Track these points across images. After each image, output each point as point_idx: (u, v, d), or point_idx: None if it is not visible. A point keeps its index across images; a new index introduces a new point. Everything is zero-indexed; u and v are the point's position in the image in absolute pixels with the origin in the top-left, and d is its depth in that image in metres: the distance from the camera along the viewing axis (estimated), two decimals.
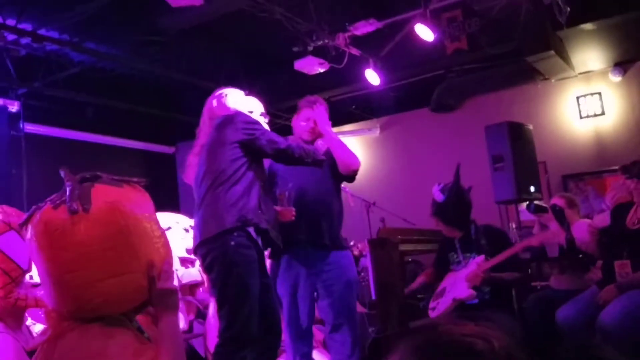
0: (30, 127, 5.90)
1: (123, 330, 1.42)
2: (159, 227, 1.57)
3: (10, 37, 4.63)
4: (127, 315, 1.50)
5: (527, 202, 3.59)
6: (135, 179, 1.58)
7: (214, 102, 2.77)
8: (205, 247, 2.36)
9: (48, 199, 1.50)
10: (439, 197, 3.35)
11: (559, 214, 3.40)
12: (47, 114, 6.14)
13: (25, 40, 4.72)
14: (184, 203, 7.04)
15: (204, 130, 2.69)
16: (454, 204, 3.33)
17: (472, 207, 3.45)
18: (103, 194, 1.44)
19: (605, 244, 3.04)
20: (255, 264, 2.38)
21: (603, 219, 3.13)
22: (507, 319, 3.14)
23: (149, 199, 1.58)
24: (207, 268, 2.36)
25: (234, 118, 2.55)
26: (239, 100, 2.76)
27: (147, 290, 1.46)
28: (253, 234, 2.39)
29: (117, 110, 6.42)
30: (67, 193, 1.42)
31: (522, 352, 0.52)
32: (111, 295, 1.42)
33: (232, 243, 2.32)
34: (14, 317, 2.58)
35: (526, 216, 4.42)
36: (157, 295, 1.46)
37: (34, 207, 1.50)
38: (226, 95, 2.77)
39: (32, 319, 2.75)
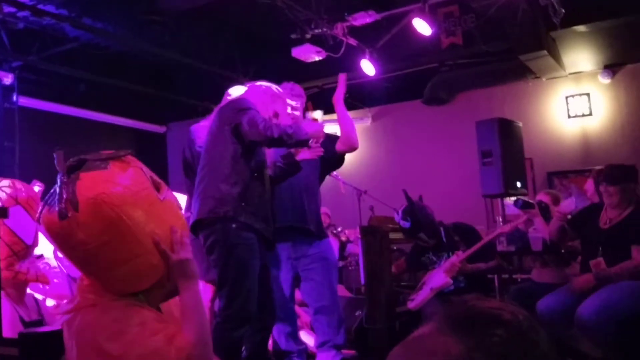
0: (23, 100, 5.88)
1: (144, 310, 1.46)
2: (158, 195, 1.51)
3: (8, 9, 4.60)
4: (151, 298, 1.52)
5: (515, 198, 3.72)
6: (121, 152, 1.53)
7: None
8: (207, 229, 2.44)
9: (49, 195, 1.49)
10: (404, 224, 3.55)
11: (545, 210, 3.54)
12: (41, 87, 6.11)
13: (23, 13, 4.69)
14: (173, 182, 7.04)
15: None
16: (420, 224, 3.51)
17: (433, 212, 3.66)
18: (87, 188, 1.41)
19: (565, 230, 3.23)
20: (254, 245, 2.46)
21: (568, 204, 3.28)
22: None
23: (138, 170, 1.52)
24: (208, 249, 2.44)
25: (228, 104, 2.62)
26: (254, 92, 2.74)
27: (163, 265, 1.47)
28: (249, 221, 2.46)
29: (111, 87, 6.41)
30: (56, 194, 1.42)
31: (539, 324, 0.60)
32: (128, 279, 1.46)
33: (233, 226, 2.41)
34: (16, 289, 2.63)
35: (511, 210, 4.55)
36: (173, 267, 1.47)
37: (42, 203, 1.51)
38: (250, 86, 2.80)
39: (42, 294, 2.81)
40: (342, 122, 3.01)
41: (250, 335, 2.54)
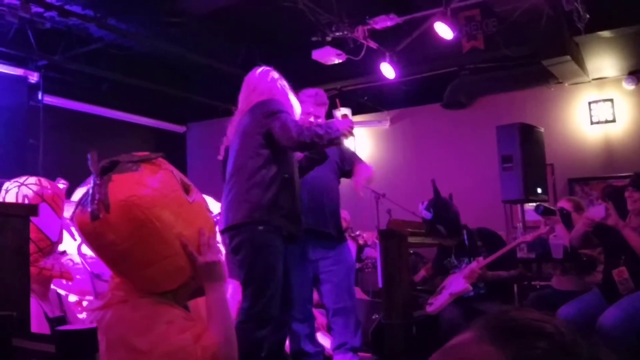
0: (48, 99, 5.99)
1: (172, 309, 1.48)
2: (187, 197, 1.54)
3: (36, 9, 4.69)
4: (179, 297, 1.54)
5: (537, 204, 3.69)
6: (152, 155, 1.55)
7: (257, 72, 2.79)
8: (233, 230, 2.46)
9: (83, 195, 1.53)
10: (426, 215, 3.52)
11: (566, 218, 3.51)
12: (65, 86, 6.22)
13: (50, 14, 4.78)
14: (192, 182, 7.15)
15: (242, 97, 2.74)
16: (442, 218, 3.45)
17: (460, 213, 3.61)
18: (119, 190, 1.44)
19: (589, 238, 3.19)
20: (280, 247, 2.49)
21: (597, 212, 3.23)
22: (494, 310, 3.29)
23: (169, 172, 1.54)
24: (234, 249, 2.46)
25: (260, 107, 2.60)
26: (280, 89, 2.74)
27: (190, 267, 1.49)
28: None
29: (133, 87, 6.50)
30: (89, 194, 1.46)
31: (581, 337, 0.59)
32: (156, 279, 1.48)
33: (260, 228, 2.44)
34: (40, 285, 2.68)
35: (531, 217, 4.52)
36: (200, 269, 1.49)
37: (76, 203, 1.55)
38: (272, 75, 2.78)
39: (65, 290, 2.85)
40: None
41: (269, 335, 2.56)
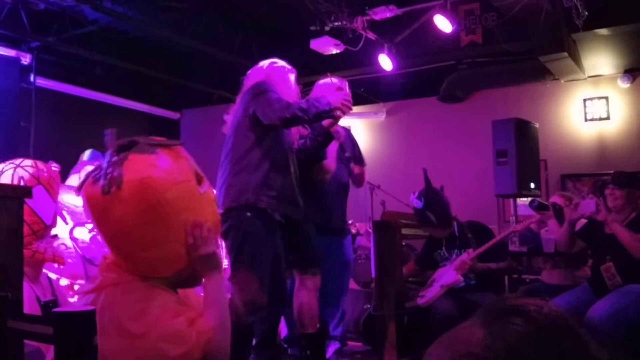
0: (41, 81, 5.92)
1: (165, 292, 1.48)
2: (199, 188, 1.55)
3: None
4: (171, 283, 1.54)
5: (531, 199, 3.71)
6: (171, 142, 1.56)
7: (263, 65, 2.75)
8: (223, 216, 2.45)
9: (94, 169, 1.53)
10: (418, 204, 3.51)
11: (559, 213, 3.54)
12: (58, 69, 6.15)
13: None
14: None
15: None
16: (433, 207, 3.46)
17: (450, 204, 3.61)
18: (134, 169, 1.45)
19: (574, 239, 3.27)
20: (269, 234, 2.47)
21: (587, 205, 3.28)
22: (493, 299, 3.30)
23: (185, 161, 1.55)
24: (223, 235, 2.45)
25: (250, 90, 2.58)
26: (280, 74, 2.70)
27: (187, 256, 1.49)
28: (268, 210, 2.47)
29: (127, 71, 6.44)
30: (104, 170, 1.46)
31: (573, 319, 0.60)
32: (154, 263, 1.48)
33: (248, 214, 2.42)
34: (32, 268, 2.66)
35: (523, 211, 4.54)
36: (197, 260, 1.50)
37: (85, 174, 1.55)
38: (273, 61, 2.75)
39: (56, 273, 2.84)
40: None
41: (260, 323, 2.57)
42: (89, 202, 1.48)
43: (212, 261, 1.53)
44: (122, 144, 1.50)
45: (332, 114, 2.46)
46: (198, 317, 1.45)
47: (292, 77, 2.73)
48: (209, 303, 1.50)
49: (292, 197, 2.57)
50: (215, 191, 2.59)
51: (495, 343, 0.55)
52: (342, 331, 3.25)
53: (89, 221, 2.72)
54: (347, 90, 2.64)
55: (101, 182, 1.44)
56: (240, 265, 2.42)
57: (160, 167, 1.47)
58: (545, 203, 3.61)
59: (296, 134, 2.78)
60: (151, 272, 1.49)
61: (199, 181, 1.57)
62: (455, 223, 3.56)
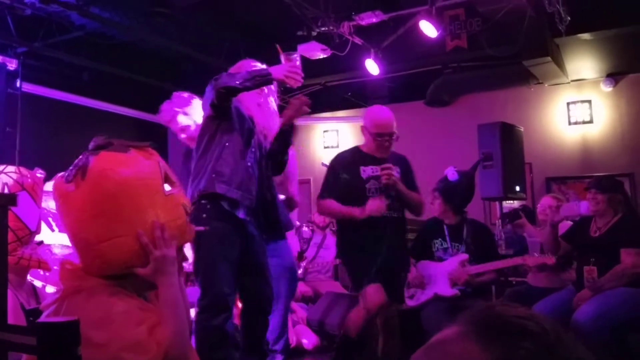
0: (27, 87, 5.87)
1: (128, 298, 1.47)
2: (162, 188, 1.54)
3: None
4: (137, 286, 1.53)
5: (502, 216, 3.73)
6: (143, 143, 1.56)
7: None
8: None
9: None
10: (453, 176, 3.44)
11: (530, 215, 3.59)
12: (45, 74, 6.11)
13: (30, 0, 4.68)
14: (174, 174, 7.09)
15: None
16: (464, 188, 3.44)
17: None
18: (102, 160, 1.47)
19: (558, 242, 3.30)
20: (228, 235, 2.41)
21: (569, 208, 3.35)
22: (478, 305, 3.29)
23: (155, 163, 1.55)
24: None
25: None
26: None
27: (143, 255, 1.48)
28: (226, 206, 2.42)
29: (115, 77, 6.41)
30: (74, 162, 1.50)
31: (568, 333, 0.58)
32: (108, 256, 1.47)
33: (204, 215, 2.37)
34: (17, 275, 2.64)
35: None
36: (152, 261, 1.48)
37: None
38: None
39: (42, 280, 2.81)
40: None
41: (243, 328, 2.57)
42: (56, 193, 1.51)
43: (166, 265, 1.49)
44: (100, 143, 1.53)
45: (269, 78, 2.38)
46: (158, 324, 1.43)
47: (259, 65, 2.67)
48: (164, 310, 1.48)
49: (242, 183, 2.47)
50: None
51: None
52: (283, 344, 3.17)
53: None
54: (298, 62, 2.52)
55: (67, 172, 1.48)
56: (199, 269, 2.37)
57: (127, 163, 1.49)
58: (514, 211, 3.66)
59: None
60: (106, 267, 1.47)
61: (169, 183, 1.57)
62: (464, 217, 3.52)
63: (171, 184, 1.59)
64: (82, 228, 1.48)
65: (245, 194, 2.47)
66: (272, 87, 2.70)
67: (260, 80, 2.38)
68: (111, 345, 1.36)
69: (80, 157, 1.51)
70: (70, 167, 1.52)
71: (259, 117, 2.65)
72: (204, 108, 2.55)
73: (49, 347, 0.99)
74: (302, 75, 2.47)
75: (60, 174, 1.54)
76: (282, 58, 2.53)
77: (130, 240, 1.47)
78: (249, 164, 2.52)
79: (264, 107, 2.68)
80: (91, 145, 1.54)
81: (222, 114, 2.47)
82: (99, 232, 1.45)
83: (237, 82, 2.32)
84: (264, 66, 2.59)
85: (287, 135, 2.65)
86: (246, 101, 2.60)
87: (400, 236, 3.03)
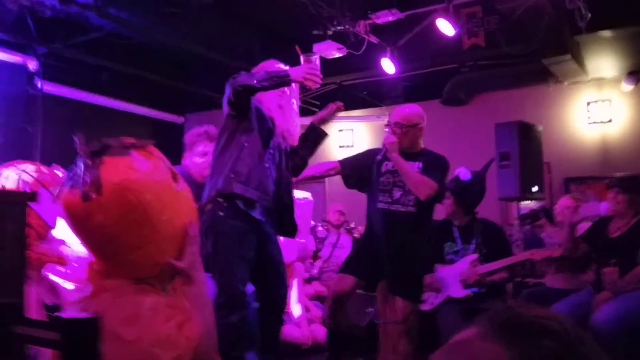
0: (47, 87, 5.97)
1: (154, 294, 1.48)
2: (177, 185, 1.55)
3: None
4: (161, 280, 1.56)
5: (522, 217, 3.70)
6: (143, 142, 1.55)
7: None
8: (201, 217, 2.45)
9: (67, 176, 1.52)
10: (465, 175, 3.42)
11: (549, 216, 3.55)
12: (64, 75, 6.20)
13: (50, 2, 4.75)
14: None
15: None
16: (475, 188, 3.41)
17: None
18: (111, 173, 1.44)
19: (577, 243, 3.27)
20: (245, 234, 2.42)
21: (588, 208, 3.31)
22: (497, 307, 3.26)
23: (160, 161, 1.55)
24: (202, 236, 2.44)
25: None
26: None
27: (174, 257, 1.50)
28: (241, 205, 2.42)
29: (132, 77, 6.48)
30: (80, 176, 1.45)
31: (587, 333, 0.58)
32: (140, 265, 1.49)
33: (221, 214, 2.40)
34: (37, 271, 2.69)
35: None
36: (188, 256, 1.50)
37: (61, 183, 1.55)
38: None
39: (60, 277, 2.86)
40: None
41: (262, 324, 2.57)
42: (69, 211, 1.47)
43: (198, 261, 1.53)
44: (94, 148, 1.49)
45: (287, 79, 2.39)
46: (186, 321, 1.46)
47: (283, 66, 2.67)
48: (193, 307, 1.49)
49: (261, 184, 2.48)
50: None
51: None
52: None
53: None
54: (317, 63, 2.52)
55: (79, 189, 1.43)
56: (215, 267, 2.37)
57: (137, 168, 1.47)
58: (535, 212, 3.62)
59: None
60: (139, 272, 1.49)
61: (175, 179, 1.57)
62: (474, 217, 3.50)
63: (176, 178, 1.59)
64: (109, 243, 1.47)
65: (263, 195, 2.48)
66: (295, 88, 2.71)
67: (277, 81, 2.40)
68: (142, 341, 1.37)
69: (84, 169, 1.46)
70: (78, 181, 1.46)
71: (280, 119, 2.65)
72: (223, 106, 2.56)
73: (73, 343, 1.00)
74: (321, 76, 2.47)
75: (65, 189, 1.48)
76: (302, 59, 2.53)
77: (161, 245, 1.48)
78: (266, 165, 2.53)
79: (286, 109, 2.68)
80: (82, 150, 1.49)
81: (240, 112, 2.48)
82: (129, 244, 1.46)
83: (255, 82, 2.35)
84: (287, 67, 2.59)
85: (317, 134, 2.71)
86: (267, 102, 2.61)
87: (410, 232, 2.98)
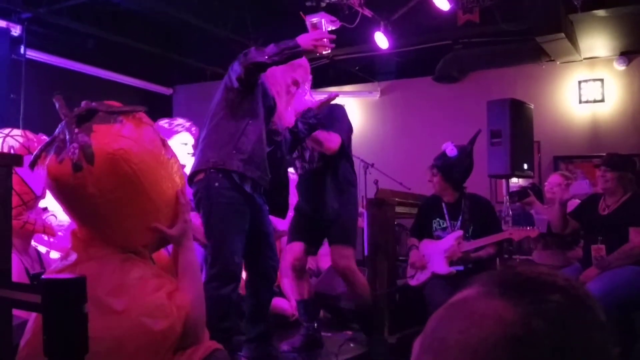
0: (31, 53, 5.81)
1: (143, 264, 1.46)
2: (167, 153, 1.53)
3: None
4: (149, 249, 1.54)
5: (511, 194, 3.70)
6: (133, 108, 1.51)
7: None
8: (195, 186, 2.41)
9: (49, 142, 1.45)
10: (452, 152, 3.39)
11: (538, 194, 3.55)
12: (49, 41, 6.03)
13: None
14: None
15: None
16: (463, 163, 3.40)
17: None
18: (104, 142, 1.40)
19: (567, 220, 3.27)
20: (239, 205, 2.39)
21: (579, 186, 3.33)
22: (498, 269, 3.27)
23: (150, 128, 1.52)
24: (195, 206, 2.41)
25: None
26: None
27: (166, 225, 1.48)
28: (236, 178, 2.39)
29: (120, 45, 6.32)
30: (66, 142, 1.39)
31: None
32: (131, 233, 1.47)
33: (216, 184, 2.36)
34: (22, 239, 2.63)
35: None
36: (180, 224, 1.49)
37: (39, 148, 1.48)
38: None
39: (46, 246, 2.81)
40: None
41: (248, 297, 2.57)
42: (57, 181, 1.42)
43: (189, 229, 1.52)
44: (81, 113, 1.43)
45: (300, 50, 2.32)
46: (176, 290, 1.43)
47: (301, 70, 2.68)
48: (184, 275, 1.48)
49: (261, 163, 2.47)
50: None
51: (540, 322, 0.51)
52: None
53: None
54: (324, 27, 2.49)
55: (68, 158, 1.37)
56: (209, 237, 2.38)
57: (128, 137, 1.43)
58: (523, 189, 3.63)
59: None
60: (129, 242, 1.47)
61: (164, 146, 1.55)
62: (463, 192, 3.49)
63: (165, 144, 1.57)
64: (101, 214, 1.44)
65: (263, 175, 2.47)
66: (307, 77, 2.70)
67: (288, 53, 2.33)
68: (131, 311, 1.35)
69: (72, 136, 1.39)
70: (61, 149, 1.40)
71: (281, 102, 2.62)
72: (228, 81, 2.47)
73: (54, 305, 0.97)
74: (331, 38, 2.42)
75: (51, 157, 1.43)
76: (308, 24, 2.48)
77: (154, 215, 1.47)
78: (265, 143, 2.52)
79: (294, 95, 2.66)
80: (64, 113, 1.42)
81: (248, 88, 2.44)
82: (120, 213, 1.43)
83: (266, 57, 2.29)
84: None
85: (313, 119, 2.70)
86: (275, 83, 2.57)
87: (320, 185, 2.98)
